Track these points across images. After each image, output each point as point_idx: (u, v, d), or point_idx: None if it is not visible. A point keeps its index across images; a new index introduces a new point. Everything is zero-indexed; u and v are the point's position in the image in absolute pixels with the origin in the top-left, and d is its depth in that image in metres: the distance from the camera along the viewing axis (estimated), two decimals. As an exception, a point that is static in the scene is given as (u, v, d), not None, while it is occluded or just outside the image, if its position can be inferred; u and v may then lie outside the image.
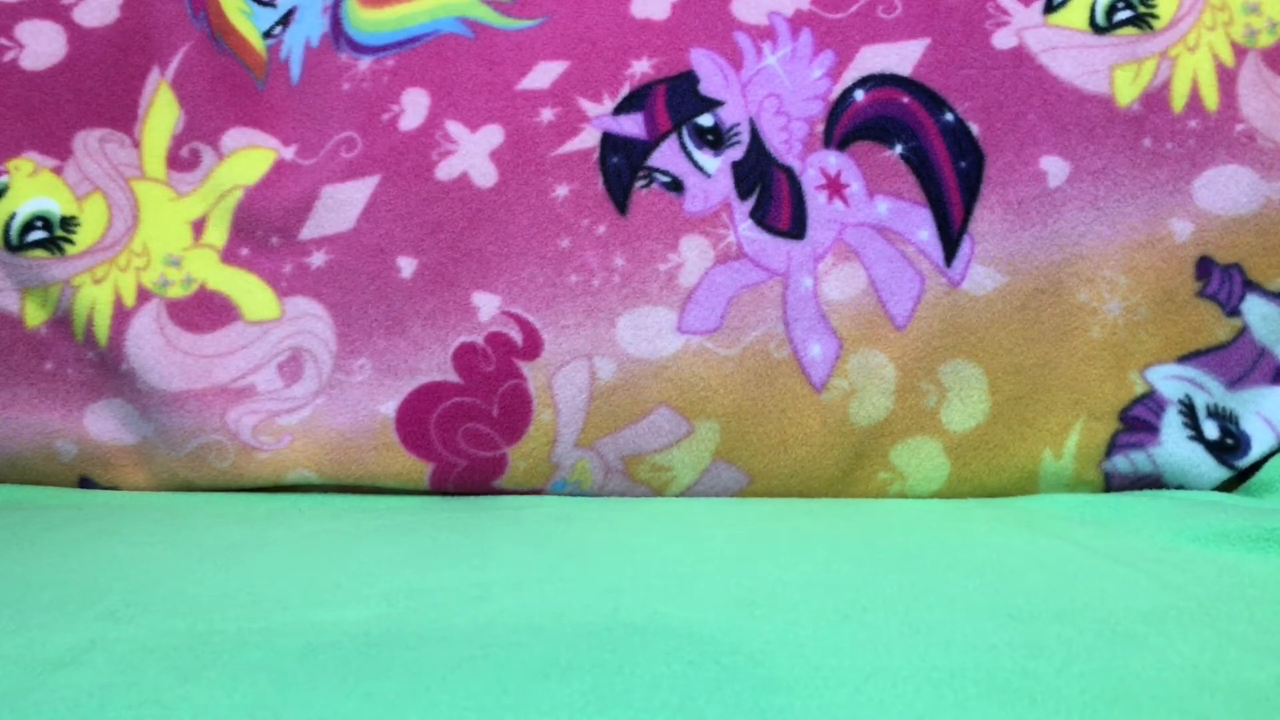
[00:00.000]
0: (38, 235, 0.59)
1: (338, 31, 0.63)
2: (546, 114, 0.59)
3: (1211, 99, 0.57)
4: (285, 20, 0.64)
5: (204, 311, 0.58)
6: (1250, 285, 0.56)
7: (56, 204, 0.59)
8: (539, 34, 0.61)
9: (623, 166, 0.58)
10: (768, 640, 0.34)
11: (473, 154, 0.59)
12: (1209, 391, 0.56)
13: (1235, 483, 0.57)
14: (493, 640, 0.34)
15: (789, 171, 0.58)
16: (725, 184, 0.58)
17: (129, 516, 0.51)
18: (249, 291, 0.59)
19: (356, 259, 0.58)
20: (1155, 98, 0.58)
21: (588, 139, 0.58)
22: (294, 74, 0.62)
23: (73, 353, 0.59)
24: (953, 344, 0.56)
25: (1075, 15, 0.59)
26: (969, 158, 0.57)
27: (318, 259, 0.59)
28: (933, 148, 0.57)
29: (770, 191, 0.57)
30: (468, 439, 0.56)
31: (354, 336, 0.58)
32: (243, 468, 0.57)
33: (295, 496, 0.57)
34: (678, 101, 0.59)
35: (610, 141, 0.58)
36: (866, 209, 0.57)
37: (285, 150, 0.61)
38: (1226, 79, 0.57)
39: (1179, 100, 0.58)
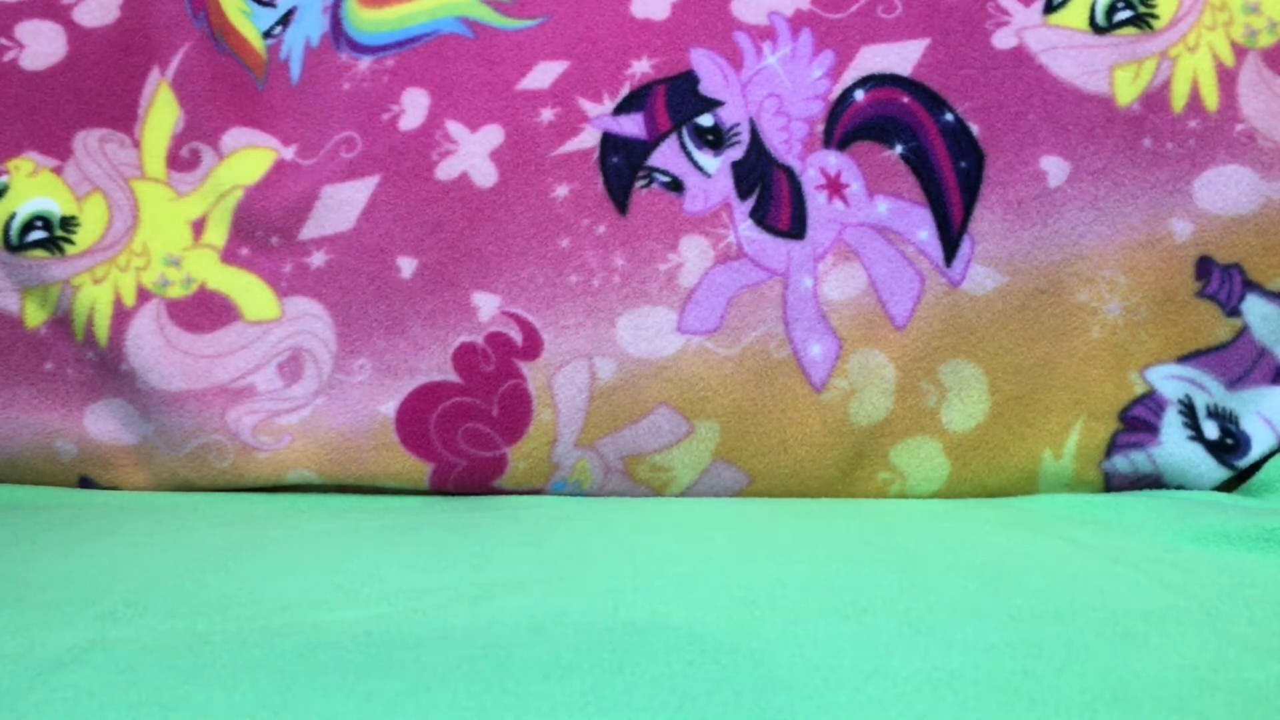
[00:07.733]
0: (37, 235, 0.59)
1: (338, 31, 0.63)
2: (546, 114, 0.59)
3: (1211, 99, 0.57)
4: (285, 20, 0.64)
5: (204, 311, 0.58)
6: (1250, 285, 0.56)
7: (56, 204, 0.59)
8: (539, 34, 0.61)
9: (623, 166, 0.58)
10: (768, 640, 0.34)
11: (473, 154, 0.59)
12: (1209, 391, 0.56)
13: (1235, 483, 0.57)
14: (493, 640, 0.34)
15: (789, 171, 0.58)
16: (725, 184, 0.58)
17: (129, 516, 0.51)
18: (249, 291, 0.59)
19: (356, 259, 0.58)
20: (1155, 98, 0.58)
21: (588, 139, 0.58)
22: (294, 74, 0.62)
23: (73, 353, 0.59)
24: (953, 344, 0.56)
25: (1075, 15, 0.59)
26: (969, 158, 0.57)
27: (318, 259, 0.59)
28: (933, 148, 0.57)
29: (770, 191, 0.57)
30: (468, 439, 0.56)
31: (354, 336, 0.58)
32: (243, 468, 0.57)
33: (295, 496, 0.57)
34: (678, 101, 0.59)
35: (610, 141, 0.58)
36: (866, 209, 0.57)
37: (285, 150, 0.61)
38: (1226, 79, 0.57)
39: (1179, 100, 0.57)
